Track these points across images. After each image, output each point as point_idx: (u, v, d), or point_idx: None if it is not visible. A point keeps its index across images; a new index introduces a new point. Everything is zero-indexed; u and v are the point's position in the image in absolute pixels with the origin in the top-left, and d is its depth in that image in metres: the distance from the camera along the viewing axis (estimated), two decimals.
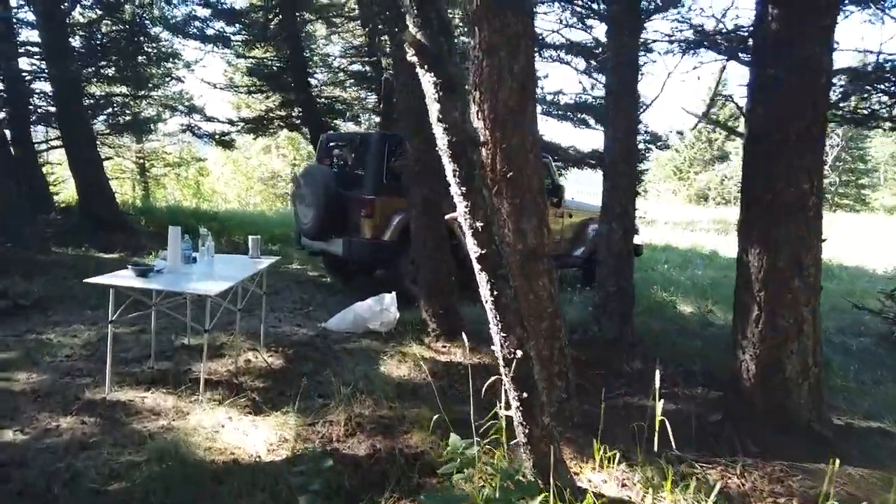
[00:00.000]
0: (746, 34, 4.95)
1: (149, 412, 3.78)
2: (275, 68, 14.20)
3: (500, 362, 2.69)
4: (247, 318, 5.73)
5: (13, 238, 8.63)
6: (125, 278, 3.92)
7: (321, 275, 8.92)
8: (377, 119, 13.63)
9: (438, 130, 2.34)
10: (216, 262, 4.82)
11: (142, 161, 21.20)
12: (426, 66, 2.25)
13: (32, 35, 12.24)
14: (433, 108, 2.33)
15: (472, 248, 2.49)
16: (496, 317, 2.56)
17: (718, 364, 5.06)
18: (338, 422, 3.69)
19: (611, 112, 5.45)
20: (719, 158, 48.43)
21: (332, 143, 7.99)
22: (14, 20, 11.42)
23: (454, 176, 2.39)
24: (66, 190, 15.73)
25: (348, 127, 15.16)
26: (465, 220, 2.44)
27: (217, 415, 3.77)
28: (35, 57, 12.09)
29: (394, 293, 5.74)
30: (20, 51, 11.54)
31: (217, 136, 14.42)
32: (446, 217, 2.63)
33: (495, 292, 2.52)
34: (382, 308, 5.51)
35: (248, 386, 4.29)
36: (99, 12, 12.33)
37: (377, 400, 4.04)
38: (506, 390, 2.79)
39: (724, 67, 5.38)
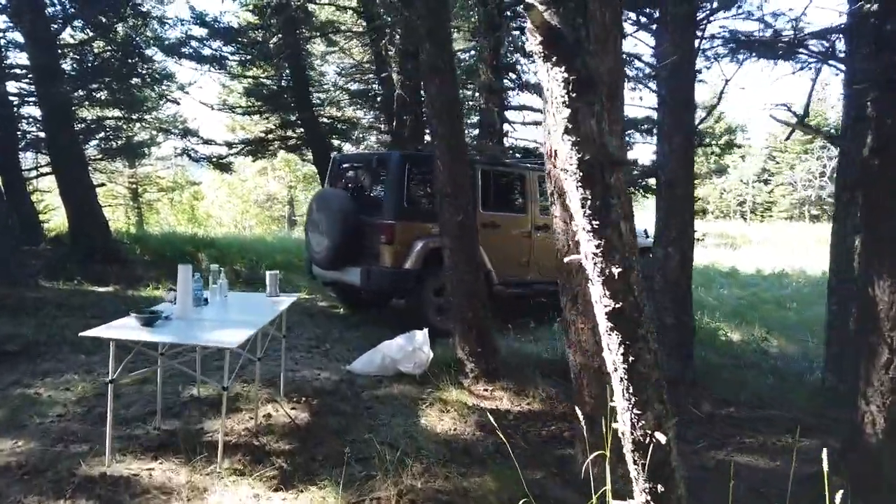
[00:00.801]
0: (838, 35, 4.45)
1: (158, 490, 3.15)
2: (274, 88, 13.68)
3: (627, 444, 2.09)
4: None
5: None
6: (128, 329, 3.31)
7: (333, 305, 8.30)
8: (386, 138, 13.11)
9: (564, 145, 1.76)
10: (230, 302, 4.22)
11: (135, 186, 20.61)
12: (556, 58, 1.67)
13: (21, 57, 11.71)
14: (559, 116, 1.75)
15: (602, 301, 1.90)
16: (628, 389, 1.97)
17: (800, 406, 4.49)
18: (387, 498, 3.07)
19: (665, 124, 4.92)
20: (716, 172, 48.16)
21: (345, 165, 7.42)
22: (1, 41, 10.88)
23: (583, 206, 1.81)
24: (56, 217, 15.10)
25: (351, 147, 14.64)
26: (594, 264, 1.86)
27: (240, 491, 3.15)
28: (24, 80, 11.54)
29: (426, 330, 5.14)
30: (7, 73, 10.98)
31: (214, 159, 13.86)
32: (566, 260, 2.04)
33: (631, 358, 1.93)
34: (414, 347, 4.90)
35: (273, 449, 3.67)
36: (90, 33, 11.78)
37: (428, 467, 3.43)
38: (624, 475, 2.19)
39: (819, 70, 4.85)
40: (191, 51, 12.99)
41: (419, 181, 6.92)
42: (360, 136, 14.07)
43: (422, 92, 12.70)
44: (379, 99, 12.65)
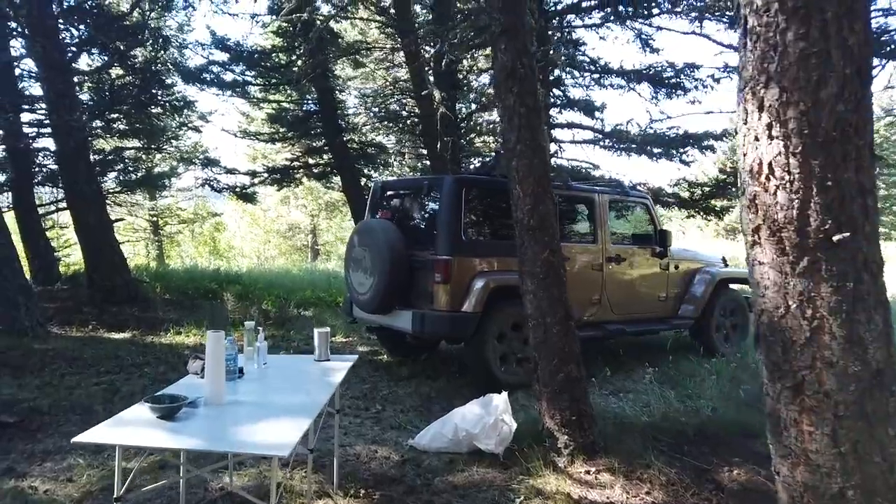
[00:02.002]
0: None
1: None
2: (299, 113, 12.96)
3: None
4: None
5: (4, 321, 7.18)
6: (141, 427, 2.40)
7: (374, 350, 7.38)
8: (419, 163, 12.30)
9: None
10: (271, 373, 3.31)
11: (155, 219, 20.00)
12: None
13: (35, 88, 11.10)
14: None
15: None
16: None
17: None
18: None
19: None
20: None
21: (389, 192, 6.54)
22: (14, 69, 10.25)
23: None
24: (75, 254, 14.40)
25: (385, 174, 13.83)
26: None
27: None
28: (38, 112, 10.91)
29: (505, 395, 4.18)
30: (21, 103, 10.34)
31: (237, 189, 13.12)
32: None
33: None
34: (496, 418, 3.94)
35: None
36: (107, 59, 11.15)
37: None
38: None
39: None
40: (212, 77, 12.35)
41: (478, 209, 6.02)
42: (394, 161, 13.26)
43: (461, 110, 11.98)
44: (416, 121, 11.85)
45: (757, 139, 1.91)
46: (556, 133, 10.30)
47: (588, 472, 3.83)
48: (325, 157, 12.97)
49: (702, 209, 10.16)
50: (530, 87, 4.10)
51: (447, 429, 4.05)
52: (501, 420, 3.97)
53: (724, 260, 7.90)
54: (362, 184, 11.79)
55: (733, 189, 10.37)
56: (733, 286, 7.59)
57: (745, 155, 1.97)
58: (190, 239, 24.62)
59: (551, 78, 9.52)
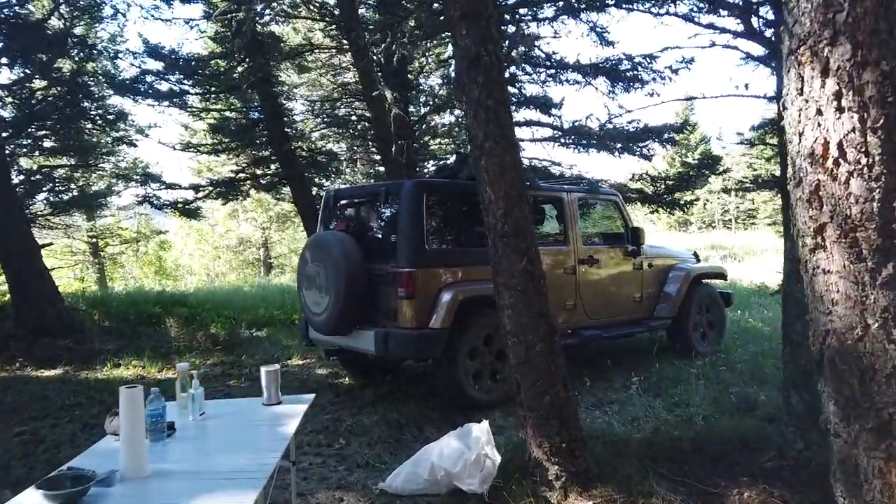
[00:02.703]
0: None
1: None
2: (243, 122, 12.27)
3: None
4: None
5: None
6: None
7: (335, 372, 6.81)
8: (369, 169, 11.76)
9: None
10: (210, 426, 2.76)
11: (94, 240, 18.90)
12: None
13: None
14: None
15: None
16: None
17: None
18: None
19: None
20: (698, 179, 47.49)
21: (343, 201, 6.01)
22: None
23: None
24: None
25: (338, 182, 13.23)
26: None
27: None
28: None
29: (486, 424, 3.71)
30: None
31: (180, 205, 12.33)
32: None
33: None
34: (478, 453, 3.46)
35: None
36: (28, 71, 10.28)
37: None
38: None
39: None
40: (147, 87, 11.55)
41: (441, 215, 5.55)
42: (346, 168, 12.67)
43: (413, 113, 11.48)
44: (367, 125, 11.29)
45: (820, 113, 1.48)
46: (515, 132, 9.91)
47: None
48: (272, 166, 12.30)
49: (665, 203, 9.90)
50: (497, 77, 3.65)
51: (423, 468, 3.55)
52: (484, 454, 3.49)
53: (695, 255, 7.62)
54: (313, 193, 11.18)
55: (696, 181, 10.16)
56: (706, 282, 7.30)
57: (800, 135, 1.54)
58: (134, 259, 23.47)
59: (506, 75, 9.10)
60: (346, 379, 6.47)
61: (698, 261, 7.49)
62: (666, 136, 9.45)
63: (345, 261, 5.16)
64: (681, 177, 10.04)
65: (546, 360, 3.65)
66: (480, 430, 3.64)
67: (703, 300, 7.06)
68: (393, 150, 7.76)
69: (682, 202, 10.08)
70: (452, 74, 11.66)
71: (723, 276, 7.48)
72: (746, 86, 4.39)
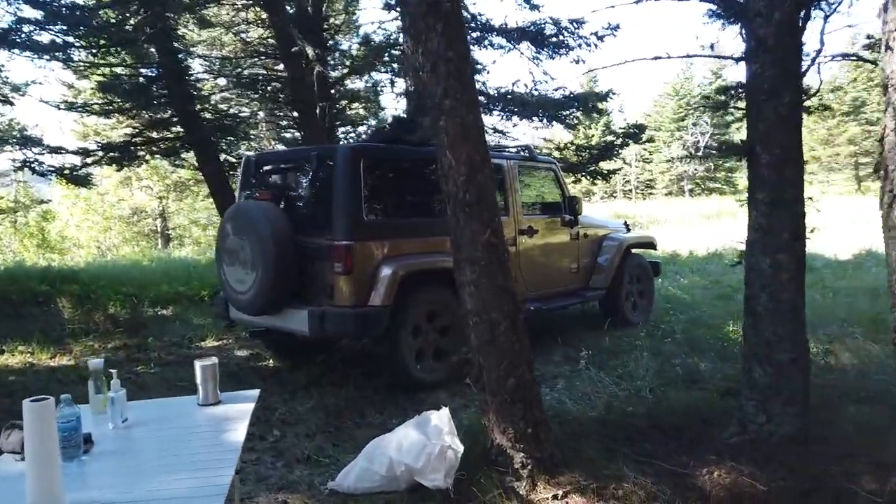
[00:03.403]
0: None
1: None
2: (139, 81, 11.14)
3: None
4: None
5: None
6: None
7: (258, 354, 6.28)
8: (294, 133, 11.01)
9: None
10: (136, 434, 2.28)
11: None
12: None
13: None
14: None
15: None
16: None
17: None
18: None
19: (766, 80, 3.44)
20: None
21: (267, 167, 5.44)
22: None
23: None
24: None
25: (244, 147, 12.35)
26: None
27: None
28: None
29: (446, 410, 3.39)
30: None
31: (68, 172, 11.09)
32: None
33: None
34: (441, 445, 3.14)
35: None
36: None
37: None
38: None
39: None
40: (23, 38, 10.20)
41: (380, 183, 5.11)
42: (259, 132, 11.81)
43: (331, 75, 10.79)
44: (279, 86, 10.50)
45: None
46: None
47: (556, 498, 3.15)
48: (173, 130, 11.27)
49: (590, 173, 9.86)
50: (458, 26, 3.26)
51: (378, 464, 3.19)
52: (447, 445, 3.18)
53: (626, 224, 7.58)
54: (221, 160, 10.34)
55: (620, 151, 10.19)
56: (635, 251, 7.28)
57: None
58: (13, 231, 21.32)
59: None
60: (272, 361, 5.97)
61: (628, 230, 7.46)
62: (592, 104, 9.34)
63: (272, 234, 4.65)
64: (605, 146, 10.02)
65: (510, 339, 3.37)
66: (440, 419, 3.32)
67: (635, 270, 7.04)
68: (317, 111, 7.18)
69: (605, 172, 10.08)
70: (371, 35, 11.09)
71: (653, 245, 7.50)
72: (712, 46, 4.25)
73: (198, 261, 13.78)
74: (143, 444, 2.21)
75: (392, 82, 10.43)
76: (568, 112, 9.67)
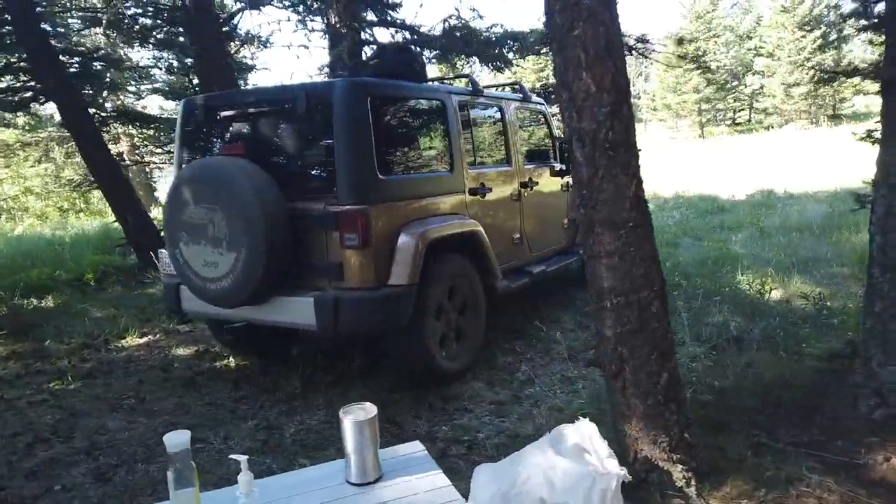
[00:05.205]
0: None
1: None
2: None
3: None
4: None
5: None
6: None
7: (204, 349, 5.04)
8: (186, 79, 9.22)
9: None
10: None
11: None
12: None
13: None
14: None
15: None
16: None
17: None
18: None
19: None
20: None
21: (221, 115, 4.15)
22: None
23: None
24: None
25: (108, 97, 10.31)
26: None
27: None
28: None
29: (588, 423, 2.56)
30: None
31: None
32: None
33: None
34: (608, 474, 2.32)
35: None
36: None
37: None
38: None
39: None
40: None
41: (391, 130, 4.05)
42: (138, 78, 9.83)
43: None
44: (161, 21, 8.67)
45: None
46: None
47: None
48: (22, 77, 9.10)
49: None
50: None
51: None
52: (618, 474, 2.37)
53: None
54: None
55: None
56: None
57: None
58: None
59: None
60: (231, 359, 4.77)
61: None
62: (531, 41, 8.60)
63: (258, 200, 3.49)
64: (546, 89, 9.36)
65: (662, 323, 2.60)
66: (585, 435, 2.49)
67: None
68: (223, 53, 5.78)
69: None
70: None
71: None
72: None
73: (60, 237, 11.63)
74: None
75: (303, 21, 8.99)
76: (499, 52, 8.86)
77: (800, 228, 8.70)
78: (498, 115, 5.00)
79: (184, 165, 4.10)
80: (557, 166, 5.70)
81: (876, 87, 3.28)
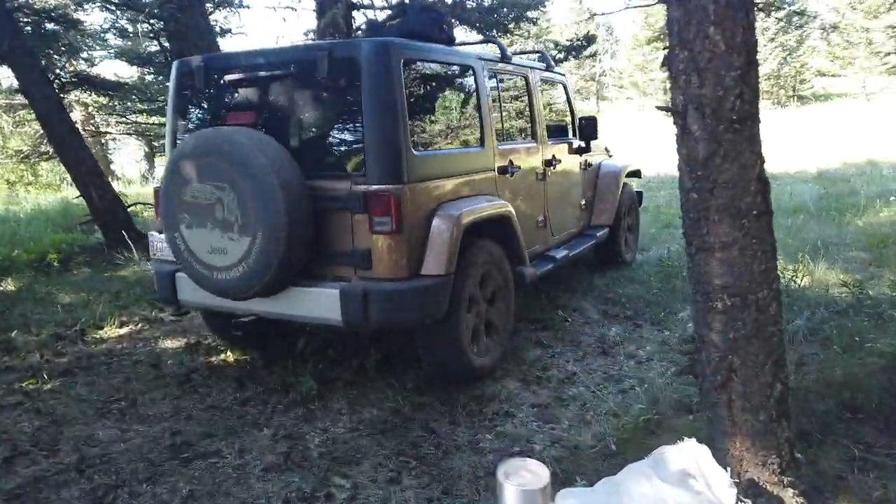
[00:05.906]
0: None
1: None
2: None
3: None
4: None
5: None
6: None
7: (196, 340, 4.53)
8: (156, 42, 8.48)
9: None
10: None
11: None
12: None
13: None
14: None
15: None
16: None
17: None
18: None
19: None
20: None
21: (224, 79, 3.60)
22: None
23: None
24: None
25: (67, 61, 9.49)
26: None
27: None
28: None
29: (693, 444, 2.21)
30: None
31: None
32: None
33: None
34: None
35: None
36: None
37: None
38: None
39: None
40: None
41: (423, 100, 3.59)
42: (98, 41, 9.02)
43: None
44: None
45: None
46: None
47: None
48: None
49: None
50: None
51: None
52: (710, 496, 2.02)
53: (606, 149, 6.63)
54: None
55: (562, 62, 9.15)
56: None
57: None
58: None
59: None
60: (230, 353, 4.28)
61: (610, 155, 6.51)
62: (530, 13, 8.15)
63: (277, 177, 3.01)
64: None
65: (778, 328, 2.24)
66: (691, 460, 2.13)
67: (627, 202, 6.15)
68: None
69: None
70: None
71: (639, 174, 6.61)
72: None
73: (14, 213, 10.80)
74: None
75: None
76: (498, 21, 8.40)
77: (796, 210, 8.56)
78: (523, 86, 4.57)
79: (180, 137, 3.57)
80: (575, 143, 5.31)
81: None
